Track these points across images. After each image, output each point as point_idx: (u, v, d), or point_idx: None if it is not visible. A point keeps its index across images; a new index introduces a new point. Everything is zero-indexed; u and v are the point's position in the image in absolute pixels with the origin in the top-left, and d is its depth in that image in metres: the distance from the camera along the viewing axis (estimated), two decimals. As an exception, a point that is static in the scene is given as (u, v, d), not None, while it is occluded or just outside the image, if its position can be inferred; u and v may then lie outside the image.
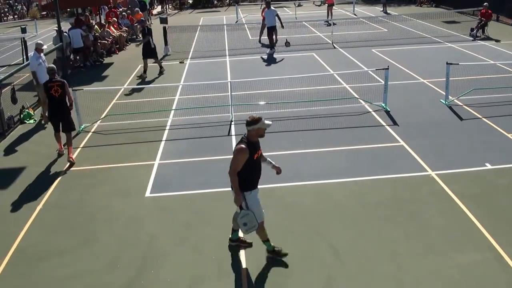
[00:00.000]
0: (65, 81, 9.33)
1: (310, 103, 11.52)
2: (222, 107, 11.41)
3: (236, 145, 5.57)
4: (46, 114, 9.93)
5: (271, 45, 18.10)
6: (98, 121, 11.19)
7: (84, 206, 7.56)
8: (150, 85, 13.49)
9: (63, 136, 9.39)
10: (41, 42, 11.60)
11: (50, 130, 10.98)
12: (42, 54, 11.28)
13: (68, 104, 9.22)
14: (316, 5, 32.47)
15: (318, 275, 5.66)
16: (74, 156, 9.30)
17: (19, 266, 6.15)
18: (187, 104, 12.06)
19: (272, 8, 18.15)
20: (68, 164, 9.04)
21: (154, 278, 5.78)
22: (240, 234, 6.22)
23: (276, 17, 17.75)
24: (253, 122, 5.55)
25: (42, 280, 5.86)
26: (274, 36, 18.30)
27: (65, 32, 16.65)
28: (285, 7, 34.15)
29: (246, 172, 5.49)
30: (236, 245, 6.26)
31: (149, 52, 15.25)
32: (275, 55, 17.55)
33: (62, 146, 9.52)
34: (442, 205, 7.03)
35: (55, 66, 9.50)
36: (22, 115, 11.63)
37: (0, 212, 7.53)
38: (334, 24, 21.86)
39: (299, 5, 32.61)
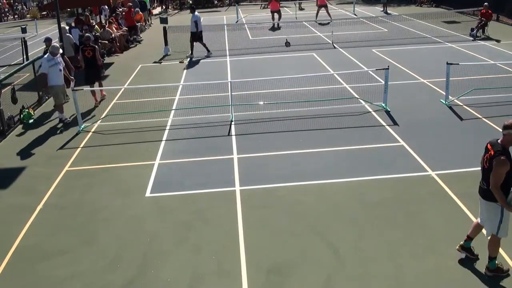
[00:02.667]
0: (96, 46, 12.79)
1: (310, 103, 11.52)
2: (222, 107, 11.41)
3: (494, 156, 5.14)
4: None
5: (206, 48, 17.89)
6: (98, 121, 11.19)
7: (84, 206, 7.56)
8: (150, 85, 13.49)
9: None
10: (57, 45, 11.68)
11: (49, 130, 11.02)
12: (57, 57, 11.29)
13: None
14: (300, 9, 32.22)
15: (318, 275, 5.66)
16: (75, 155, 9.39)
17: (19, 266, 6.15)
18: (187, 104, 12.06)
19: (195, 13, 17.79)
20: (101, 98, 12.70)
21: (154, 278, 5.79)
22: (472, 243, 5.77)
23: (194, 23, 17.44)
24: (510, 126, 5.14)
25: (42, 280, 5.87)
26: (196, 42, 17.82)
27: (67, 33, 16.61)
28: (285, 7, 34.12)
29: (504, 183, 5.12)
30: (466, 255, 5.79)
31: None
32: (275, 55, 17.53)
33: (97, 99, 12.46)
34: (442, 205, 7.03)
35: (90, 35, 13.33)
36: (22, 115, 11.63)
37: (0, 212, 7.54)
38: (322, 24, 21.85)
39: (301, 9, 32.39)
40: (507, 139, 5.18)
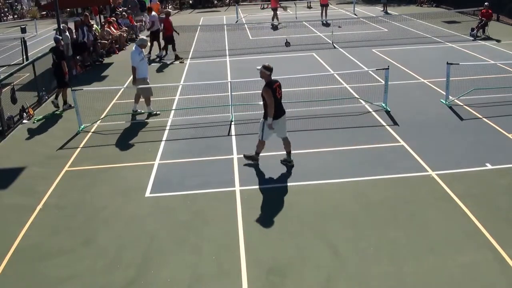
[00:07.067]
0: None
1: (310, 103, 11.52)
2: (222, 107, 11.41)
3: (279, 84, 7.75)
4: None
5: (164, 49, 18.38)
6: (98, 121, 11.18)
7: (84, 206, 7.56)
8: (150, 85, 13.46)
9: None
10: (145, 38, 11.73)
11: (49, 130, 11.02)
12: (143, 50, 11.33)
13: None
14: (308, 8, 32.35)
15: (318, 275, 5.66)
16: (75, 155, 9.40)
17: (19, 266, 6.15)
18: (187, 104, 12.06)
19: (153, 13, 18.69)
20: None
21: (154, 278, 5.78)
22: None
23: (151, 23, 18.21)
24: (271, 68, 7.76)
25: (42, 280, 5.86)
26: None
27: (63, 27, 16.57)
28: (286, 6, 34.10)
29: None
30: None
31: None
32: (275, 55, 17.53)
33: None
34: (442, 205, 7.03)
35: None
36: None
37: (0, 212, 7.54)
38: (330, 24, 21.86)
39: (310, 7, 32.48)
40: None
